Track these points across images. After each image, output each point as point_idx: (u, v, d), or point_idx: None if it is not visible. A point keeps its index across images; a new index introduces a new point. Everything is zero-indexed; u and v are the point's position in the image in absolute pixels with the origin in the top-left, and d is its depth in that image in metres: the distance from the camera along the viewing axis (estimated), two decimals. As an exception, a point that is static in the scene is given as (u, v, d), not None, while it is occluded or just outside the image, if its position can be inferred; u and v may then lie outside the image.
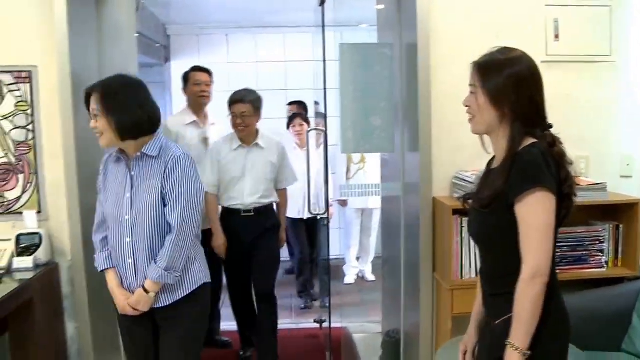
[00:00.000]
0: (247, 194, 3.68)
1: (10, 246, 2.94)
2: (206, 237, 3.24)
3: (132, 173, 2.35)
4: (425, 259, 3.12)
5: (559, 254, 2.87)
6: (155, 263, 2.32)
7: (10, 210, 3.09)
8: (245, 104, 3.66)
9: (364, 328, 4.42)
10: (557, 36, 3.18)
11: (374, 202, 5.53)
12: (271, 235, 3.82)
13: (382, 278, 4.34)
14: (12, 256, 2.92)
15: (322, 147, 4.39)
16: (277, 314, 3.88)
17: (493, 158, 1.91)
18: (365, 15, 4.84)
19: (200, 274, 2.45)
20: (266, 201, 3.76)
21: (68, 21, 2.89)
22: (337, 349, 3.79)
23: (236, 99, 3.69)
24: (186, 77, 4.13)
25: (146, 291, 2.34)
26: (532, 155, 1.67)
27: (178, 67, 6.50)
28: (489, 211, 1.73)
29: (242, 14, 6.11)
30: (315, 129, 4.54)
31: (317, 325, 4.37)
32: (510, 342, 1.65)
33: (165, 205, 2.32)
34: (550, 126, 1.77)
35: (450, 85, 3.03)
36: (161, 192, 2.32)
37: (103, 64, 3.27)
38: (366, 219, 5.82)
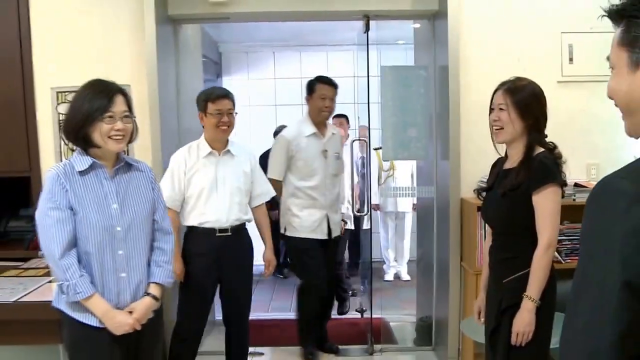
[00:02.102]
0: (222, 210, 3.15)
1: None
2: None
3: (115, 182, 2.23)
4: (454, 249, 3.62)
5: (569, 245, 3.35)
6: (159, 266, 2.33)
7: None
8: (230, 100, 3.18)
9: (400, 318, 4.87)
10: (571, 59, 3.64)
11: (404, 206, 6.10)
12: (248, 256, 3.35)
13: (417, 275, 4.82)
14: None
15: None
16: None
17: (499, 160, 2.47)
18: (402, 33, 5.27)
19: None
20: (244, 218, 3.27)
21: (156, 47, 3.49)
22: (377, 334, 4.26)
23: (222, 94, 3.18)
24: (312, 88, 3.87)
25: (156, 299, 2.30)
26: (549, 160, 2.24)
27: (228, 82, 7.09)
28: (509, 198, 2.27)
29: (288, 34, 6.56)
30: (359, 140, 4.87)
31: (358, 315, 4.90)
32: (527, 294, 2.20)
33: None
34: (546, 136, 2.33)
35: (476, 102, 3.52)
36: (153, 201, 2.34)
37: (179, 81, 3.88)
38: (399, 222, 6.31)
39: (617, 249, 0.94)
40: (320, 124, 3.84)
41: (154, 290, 2.30)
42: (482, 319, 2.51)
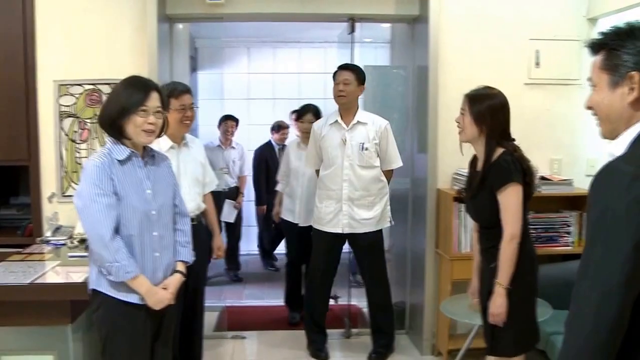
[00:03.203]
0: (187, 200, 3.03)
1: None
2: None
3: (146, 170, 2.42)
4: (430, 237, 3.90)
5: (535, 234, 3.66)
6: (183, 246, 2.54)
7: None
8: (191, 95, 3.26)
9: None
10: (537, 63, 3.94)
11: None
12: (209, 243, 3.51)
13: (388, 264, 5.04)
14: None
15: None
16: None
17: (474, 158, 2.72)
18: (372, 32, 5.34)
19: None
20: (202, 206, 3.36)
21: (157, 44, 3.67)
22: (353, 319, 4.49)
23: (185, 89, 3.23)
24: (333, 77, 3.83)
25: (184, 275, 2.52)
26: (507, 162, 2.51)
27: (204, 77, 7.17)
28: (479, 199, 2.58)
29: (263, 30, 6.69)
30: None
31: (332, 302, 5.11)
32: (497, 281, 2.49)
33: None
34: (513, 139, 2.60)
35: (452, 100, 3.71)
36: (175, 186, 2.57)
37: (172, 75, 4.04)
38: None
39: (624, 217, 1.24)
40: (346, 112, 3.77)
41: (181, 267, 2.53)
42: (476, 300, 2.78)
